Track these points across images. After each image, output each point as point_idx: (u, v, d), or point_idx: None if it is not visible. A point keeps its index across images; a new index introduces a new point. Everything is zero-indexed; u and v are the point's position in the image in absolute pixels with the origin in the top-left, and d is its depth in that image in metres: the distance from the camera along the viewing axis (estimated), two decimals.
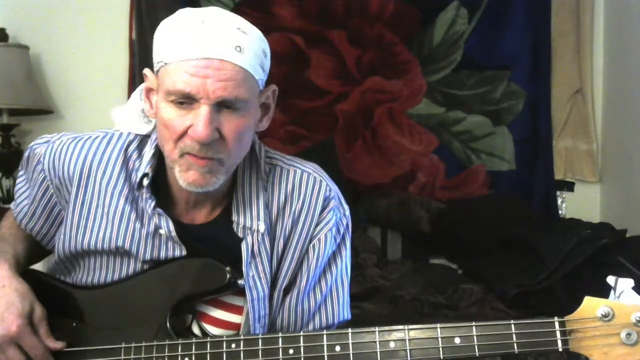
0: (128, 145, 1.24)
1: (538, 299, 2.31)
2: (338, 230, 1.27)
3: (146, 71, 1.17)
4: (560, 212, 3.40)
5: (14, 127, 3.05)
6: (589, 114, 3.41)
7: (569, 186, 3.44)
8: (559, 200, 3.41)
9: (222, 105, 1.08)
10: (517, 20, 3.37)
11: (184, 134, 1.09)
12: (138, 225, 1.21)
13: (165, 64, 1.09)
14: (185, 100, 1.08)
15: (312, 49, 3.35)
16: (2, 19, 3.10)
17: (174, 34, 1.08)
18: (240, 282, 1.19)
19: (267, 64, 1.15)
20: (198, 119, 1.07)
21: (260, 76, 1.13)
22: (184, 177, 1.12)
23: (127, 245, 1.21)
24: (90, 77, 3.20)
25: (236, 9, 3.24)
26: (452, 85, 3.41)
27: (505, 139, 3.41)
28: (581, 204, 3.39)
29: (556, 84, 3.42)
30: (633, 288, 1.03)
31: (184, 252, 1.21)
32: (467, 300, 2.47)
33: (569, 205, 3.41)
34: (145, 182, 1.20)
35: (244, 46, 1.08)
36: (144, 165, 1.21)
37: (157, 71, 1.12)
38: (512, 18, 3.37)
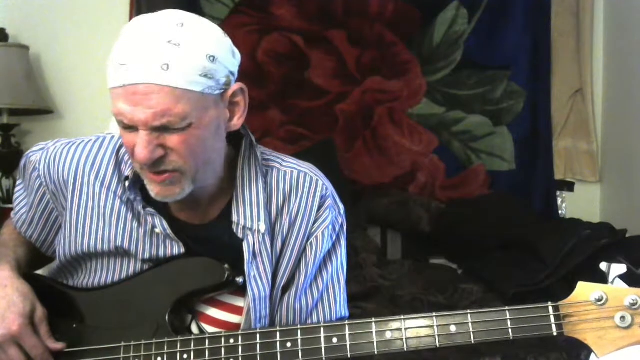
0: (120, 148, 1.26)
1: (538, 299, 2.31)
2: (334, 228, 1.28)
3: None
4: (560, 212, 3.40)
5: (14, 127, 3.06)
6: (589, 114, 3.41)
7: (569, 186, 3.44)
8: (559, 200, 3.41)
9: (159, 128, 1.06)
10: (517, 20, 3.38)
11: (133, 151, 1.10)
12: (135, 224, 1.22)
13: (109, 88, 1.08)
14: (127, 126, 1.07)
15: (312, 49, 3.35)
16: (2, 19, 3.11)
17: (111, 57, 1.06)
18: (238, 279, 1.20)
19: (221, 66, 1.08)
20: (138, 142, 1.06)
21: (206, 85, 1.06)
22: (150, 188, 1.13)
23: (126, 245, 1.22)
24: (90, 77, 3.19)
25: (236, 9, 3.24)
26: (452, 85, 3.41)
27: (505, 139, 3.42)
28: (581, 204, 3.40)
29: (556, 84, 3.42)
30: (628, 282, 1.04)
31: (182, 250, 1.22)
32: (467, 300, 2.47)
33: (569, 205, 3.42)
34: (127, 184, 1.21)
35: (171, 62, 1.02)
36: (127, 168, 1.22)
37: None
38: (512, 18, 3.38)
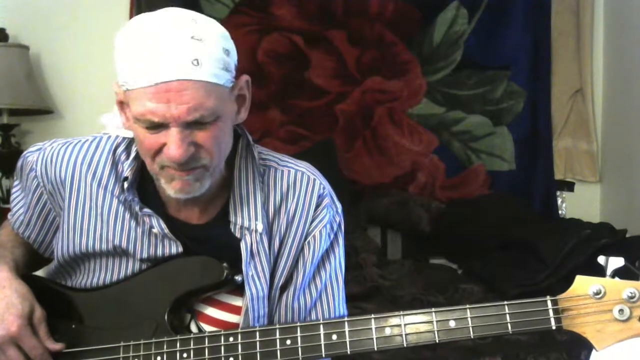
0: (116, 148, 1.26)
1: None
2: (332, 227, 1.28)
3: (114, 86, 1.15)
4: (560, 212, 3.40)
5: (14, 127, 3.06)
6: (589, 114, 3.41)
7: (569, 186, 3.44)
8: (559, 200, 3.41)
9: (190, 124, 1.07)
10: (517, 20, 3.38)
11: (159, 150, 1.09)
12: (133, 224, 1.22)
13: (128, 89, 1.08)
14: (155, 125, 1.07)
15: (312, 49, 3.35)
16: (2, 19, 3.11)
17: (130, 58, 1.06)
18: (237, 278, 1.20)
19: (232, 60, 1.11)
20: (170, 140, 1.06)
21: (226, 78, 1.09)
22: (170, 187, 1.13)
23: (124, 244, 1.22)
24: (90, 77, 3.19)
25: (236, 9, 3.25)
26: (452, 85, 3.41)
27: (505, 139, 3.42)
28: (581, 204, 3.39)
29: (556, 84, 3.42)
30: (624, 276, 1.04)
31: (181, 249, 1.22)
32: (467, 301, 2.47)
33: (569, 205, 3.41)
34: (126, 185, 1.21)
35: (201, 57, 1.04)
36: (126, 168, 1.22)
37: (124, 90, 1.11)
38: (512, 18, 3.38)
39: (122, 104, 1.15)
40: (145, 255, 1.22)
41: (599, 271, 1.08)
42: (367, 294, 2.53)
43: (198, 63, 1.04)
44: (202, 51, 1.04)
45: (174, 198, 1.21)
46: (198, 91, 1.05)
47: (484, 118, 3.41)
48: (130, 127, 1.14)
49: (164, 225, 1.21)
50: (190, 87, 1.04)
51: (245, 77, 1.18)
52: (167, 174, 1.12)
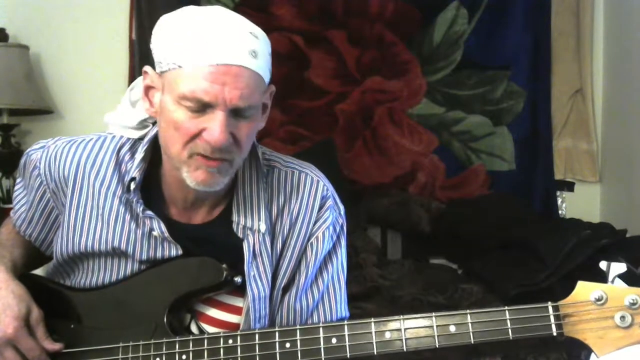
0: (120, 148, 1.25)
1: (538, 299, 2.31)
2: (334, 229, 1.28)
3: (147, 69, 1.15)
4: (560, 212, 3.40)
5: (14, 127, 3.06)
6: (589, 114, 3.41)
7: (569, 186, 3.44)
8: (559, 200, 3.41)
9: (236, 111, 1.08)
10: (517, 20, 3.38)
11: (196, 135, 1.08)
12: (133, 225, 1.22)
13: (179, 66, 1.06)
14: (202, 106, 1.07)
15: (312, 49, 3.35)
16: (2, 19, 3.11)
17: (189, 36, 1.05)
18: (236, 279, 1.19)
19: (271, 64, 1.16)
20: (214, 124, 1.06)
21: (268, 78, 1.14)
22: (193, 176, 1.11)
23: (123, 246, 1.22)
24: (90, 78, 3.20)
25: (236, 9, 3.22)
26: (452, 85, 3.41)
27: (505, 139, 3.42)
28: (581, 204, 3.39)
29: (556, 84, 3.42)
30: (628, 281, 1.04)
31: (180, 252, 1.21)
32: (467, 300, 2.47)
33: (569, 205, 3.41)
34: (132, 186, 1.20)
35: (257, 51, 1.08)
36: (133, 169, 1.21)
37: (164, 72, 1.10)
38: (512, 18, 3.38)
39: (150, 90, 1.14)
40: (144, 257, 1.22)
41: (600, 273, 1.07)
42: (367, 294, 2.53)
43: (255, 55, 1.07)
44: (258, 46, 1.09)
45: (182, 198, 1.20)
46: (252, 81, 1.08)
47: (484, 118, 3.41)
48: (163, 111, 1.11)
49: (164, 229, 1.20)
50: (247, 75, 1.07)
51: (272, 87, 1.19)
52: (195, 162, 1.10)
